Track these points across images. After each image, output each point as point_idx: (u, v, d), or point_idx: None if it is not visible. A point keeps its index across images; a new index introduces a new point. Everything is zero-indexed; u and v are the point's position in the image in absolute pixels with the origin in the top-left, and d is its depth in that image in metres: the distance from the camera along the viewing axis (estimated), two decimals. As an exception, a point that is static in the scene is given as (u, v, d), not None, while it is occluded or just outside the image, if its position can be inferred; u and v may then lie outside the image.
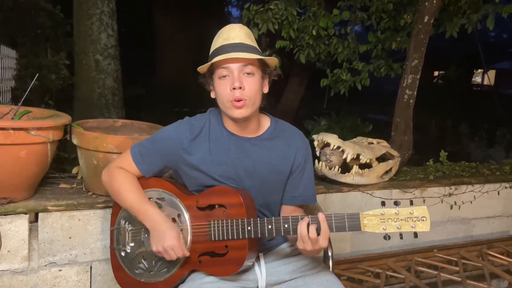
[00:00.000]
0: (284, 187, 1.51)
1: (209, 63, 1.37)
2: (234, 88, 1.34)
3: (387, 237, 1.27)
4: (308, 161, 1.53)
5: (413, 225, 1.24)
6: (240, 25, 1.43)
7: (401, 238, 1.28)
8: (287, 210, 1.52)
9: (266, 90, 1.44)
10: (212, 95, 1.43)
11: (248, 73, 1.36)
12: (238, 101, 1.34)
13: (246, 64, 1.35)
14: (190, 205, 1.42)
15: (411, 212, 1.25)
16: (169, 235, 1.35)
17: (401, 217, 1.25)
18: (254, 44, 1.41)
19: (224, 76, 1.36)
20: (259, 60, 1.38)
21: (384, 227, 1.25)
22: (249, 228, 1.33)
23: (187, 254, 1.37)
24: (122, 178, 1.46)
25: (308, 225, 1.27)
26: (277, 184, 1.49)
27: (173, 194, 1.45)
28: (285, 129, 1.52)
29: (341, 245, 2.60)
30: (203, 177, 1.42)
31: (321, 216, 1.27)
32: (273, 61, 1.42)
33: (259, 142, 1.45)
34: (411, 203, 1.28)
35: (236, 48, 1.35)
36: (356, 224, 1.27)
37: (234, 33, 1.39)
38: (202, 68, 1.41)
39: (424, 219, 1.24)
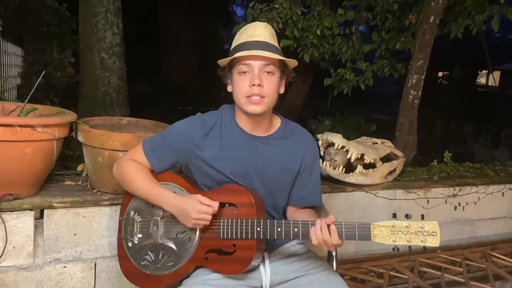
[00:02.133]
0: (291, 187, 1.51)
1: (231, 57, 1.38)
2: (253, 85, 1.35)
3: (396, 249, 1.27)
4: (316, 162, 1.55)
5: (423, 239, 1.24)
6: (265, 24, 1.43)
7: (410, 250, 1.28)
8: (293, 211, 1.53)
9: (282, 90, 1.45)
10: (229, 89, 1.44)
11: (268, 72, 1.37)
12: (256, 97, 1.36)
13: (267, 63, 1.36)
14: None
15: (422, 226, 1.24)
16: (191, 206, 1.36)
17: (412, 231, 1.24)
18: (277, 44, 1.42)
19: (244, 72, 1.37)
20: (280, 60, 1.39)
21: (394, 239, 1.25)
22: (258, 229, 1.34)
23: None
24: (134, 167, 1.48)
25: (321, 228, 1.27)
26: (285, 183, 1.50)
27: (184, 189, 1.47)
28: (295, 130, 1.53)
29: (345, 245, 2.56)
30: (214, 173, 1.44)
31: (329, 220, 1.27)
32: (293, 63, 1.42)
33: (269, 141, 1.47)
34: (422, 217, 1.27)
35: (259, 46, 1.35)
36: (366, 234, 1.27)
37: (259, 31, 1.39)
38: (223, 62, 1.41)
39: (435, 234, 1.24)
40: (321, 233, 1.27)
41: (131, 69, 4.66)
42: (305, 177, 1.51)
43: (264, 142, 1.46)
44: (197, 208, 1.34)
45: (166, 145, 1.48)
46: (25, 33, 5.20)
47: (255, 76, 1.35)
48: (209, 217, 1.35)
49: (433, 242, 1.23)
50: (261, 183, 1.45)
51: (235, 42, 1.41)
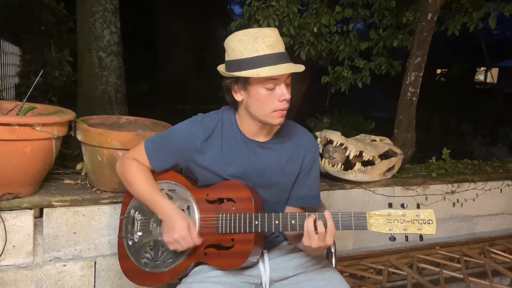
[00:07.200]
0: (291, 188, 1.51)
1: (269, 74, 1.28)
2: (284, 99, 1.34)
3: (392, 238, 1.27)
4: (315, 163, 1.53)
5: (419, 228, 1.24)
6: (275, 29, 1.37)
7: (407, 240, 1.28)
8: (290, 211, 1.53)
9: None
10: (238, 98, 1.39)
11: (289, 83, 1.36)
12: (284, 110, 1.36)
13: (289, 75, 1.35)
14: (200, 198, 1.45)
15: (418, 214, 1.25)
16: (179, 226, 1.37)
17: (408, 219, 1.25)
18: None
19: (271, 88, 1.33)
20: None
21: (390, 228, 1.26)
22: (256, 222, 1.35)
23: (198, 242, 1.38)
24: (135, 169, 1.48)
25: (315, 221, 1.28)
26: (285, 186, 1.50)
27: (184, 187, 1.48)
28: (295, 131, 1.52)
29: (344, 242, 2.61)
30: (213, 176, 1.44)
31: (327, 213, 1.28)
32: (301, 68, 1.37)
33: (269, 145, 1.46)
34: (418, 206, 1.28)
35: (284, 59, 1.32)
36: (362, 223, 1.27)
37: (276, 39, 1.33)
38: (246, 74, 1.30)
39: (431, 222, 1.24)
40: (313, 226, 1.27)
41: (129, 69, 4.65)
42: (303, 178, 1.50)
43: (263, 147, 1.46)
44: (184, 233, 1.36)
45: (167, 147, 1.48)
46: (22, 32, 5.18)
47: (285, 91, 1.33)
48: (185, 247, 1.38)
49: (429, 230, 1.24)
50: (261, 185, 1.45)
51: (252, 51, 1.30)
